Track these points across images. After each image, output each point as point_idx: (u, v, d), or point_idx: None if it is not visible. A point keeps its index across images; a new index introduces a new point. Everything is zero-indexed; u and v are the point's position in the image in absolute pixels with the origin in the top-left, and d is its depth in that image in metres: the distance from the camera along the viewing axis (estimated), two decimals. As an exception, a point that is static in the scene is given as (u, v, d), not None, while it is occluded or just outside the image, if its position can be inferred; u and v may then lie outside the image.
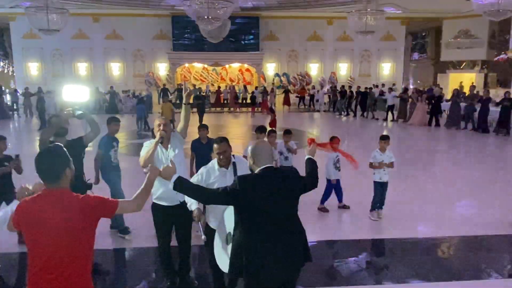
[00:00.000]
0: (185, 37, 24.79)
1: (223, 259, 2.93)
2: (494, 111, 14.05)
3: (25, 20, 17.38)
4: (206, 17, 13.64)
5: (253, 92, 21.78)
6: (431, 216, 5.96)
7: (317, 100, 22.33)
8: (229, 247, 2.80)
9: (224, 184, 3.26)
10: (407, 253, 4.83)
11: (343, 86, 21.44)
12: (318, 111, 21.77)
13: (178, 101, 20.05)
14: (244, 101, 23.16)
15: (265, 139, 5.82)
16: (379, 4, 18.09)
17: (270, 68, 25.69)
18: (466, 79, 24.46)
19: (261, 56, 24.66)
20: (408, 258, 4.67)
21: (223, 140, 3.39)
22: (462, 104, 15.54)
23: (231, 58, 24.91)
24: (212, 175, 3.48)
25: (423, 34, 30.42)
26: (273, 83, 24.40)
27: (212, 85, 24.78)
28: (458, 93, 16.14)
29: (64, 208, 2.07)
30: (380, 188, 5.77)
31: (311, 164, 2.89)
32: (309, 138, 2.96)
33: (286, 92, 22.33)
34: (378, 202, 5.82)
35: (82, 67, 24.64)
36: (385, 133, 14.64)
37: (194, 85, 23.20)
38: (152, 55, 24.83)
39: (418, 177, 8.27)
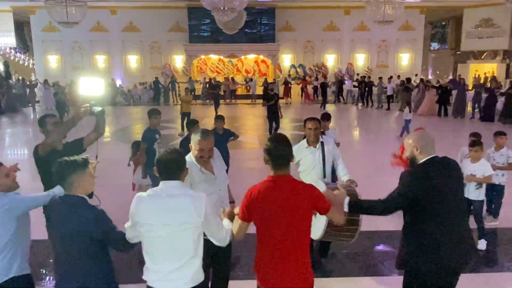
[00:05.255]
0: (201, 28, 24.81)
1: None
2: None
3: (44, 13, 17.68)
4: (222, 8, 13.63)
5: (267, 84, 21.46)
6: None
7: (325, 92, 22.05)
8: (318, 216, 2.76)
9: (313, 162, 3.69)
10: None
11: (363, 77, 21.30)
12: (335, 102, 21.72)
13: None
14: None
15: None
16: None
17: (286, 59, 25.54)
18: (488, 69, 23.89)
19: (277, 47, 24.47)
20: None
21: (315, 118, 3.79)
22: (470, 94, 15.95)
23: (246, 50, 24.81)
24: (299, 154, 3.73)
25: (443, 23, 29.73)
26: (289, 75, 24.22)
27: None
28: (464, 83, 16.56)
29: (292, 193, 2.26)
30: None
31: None
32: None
33: (286, 83, 22.04)
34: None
35: (101, 60, 25.01)
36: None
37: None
38: (168, 47, 24.97)
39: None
